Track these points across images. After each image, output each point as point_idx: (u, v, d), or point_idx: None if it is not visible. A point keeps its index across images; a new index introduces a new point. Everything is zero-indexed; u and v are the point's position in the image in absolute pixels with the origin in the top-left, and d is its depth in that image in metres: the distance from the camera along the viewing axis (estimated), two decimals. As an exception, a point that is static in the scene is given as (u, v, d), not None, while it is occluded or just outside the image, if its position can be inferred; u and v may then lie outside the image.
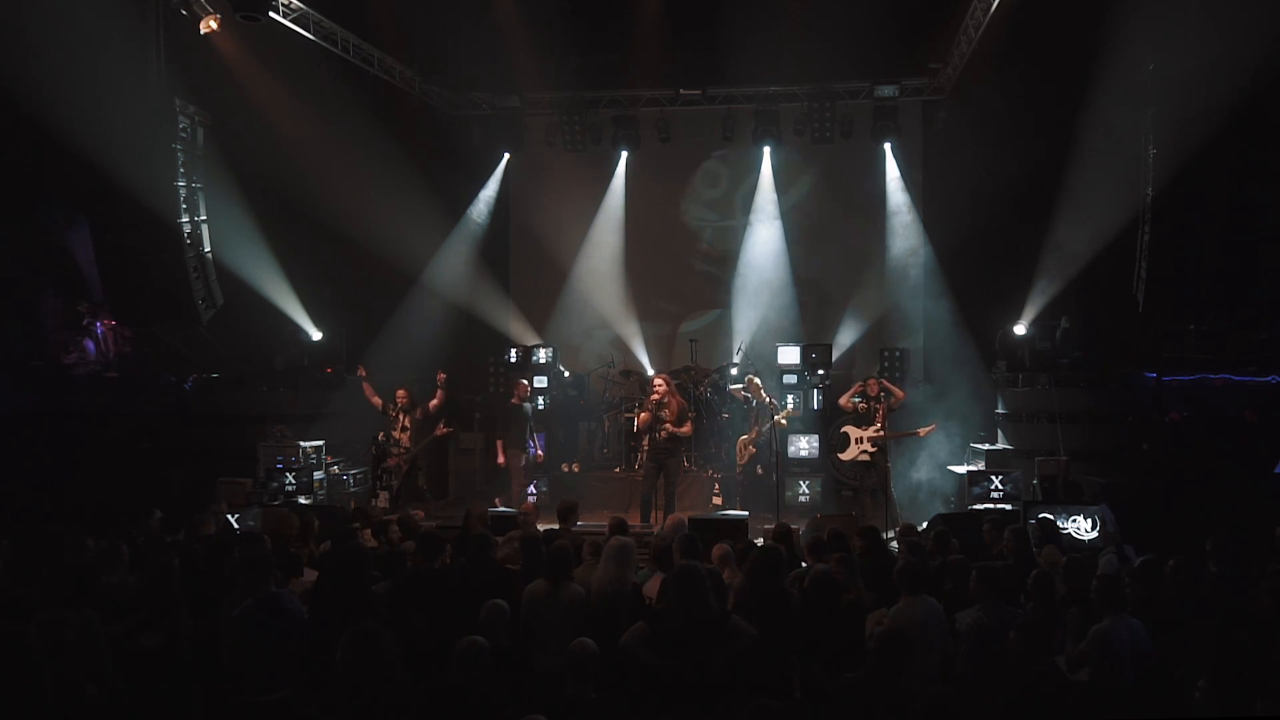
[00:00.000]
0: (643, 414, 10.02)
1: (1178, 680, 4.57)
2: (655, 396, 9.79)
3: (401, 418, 10.47)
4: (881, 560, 6.09)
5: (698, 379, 12.34)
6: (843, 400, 10.57)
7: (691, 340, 13.60)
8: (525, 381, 11.26)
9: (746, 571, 5.20)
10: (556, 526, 7.44)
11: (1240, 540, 5.91)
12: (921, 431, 10.33)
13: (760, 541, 7.04)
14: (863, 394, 10.24)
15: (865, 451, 10.04)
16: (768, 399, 10.46)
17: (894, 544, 8.92)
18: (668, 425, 9.68)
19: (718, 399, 12.06)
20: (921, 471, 11.38)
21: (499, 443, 10.91)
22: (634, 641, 4.55)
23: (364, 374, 10.70)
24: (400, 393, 10.54)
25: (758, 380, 10.78)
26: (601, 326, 14.19)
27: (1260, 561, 5.80)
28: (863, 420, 10.12)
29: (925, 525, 9.12)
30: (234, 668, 4.63)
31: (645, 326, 14.44)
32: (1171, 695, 4.54)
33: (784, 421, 10.42)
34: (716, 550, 6.13)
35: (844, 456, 10.35)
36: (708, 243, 14.72)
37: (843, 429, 10.35)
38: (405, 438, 10.43)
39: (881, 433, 9.95)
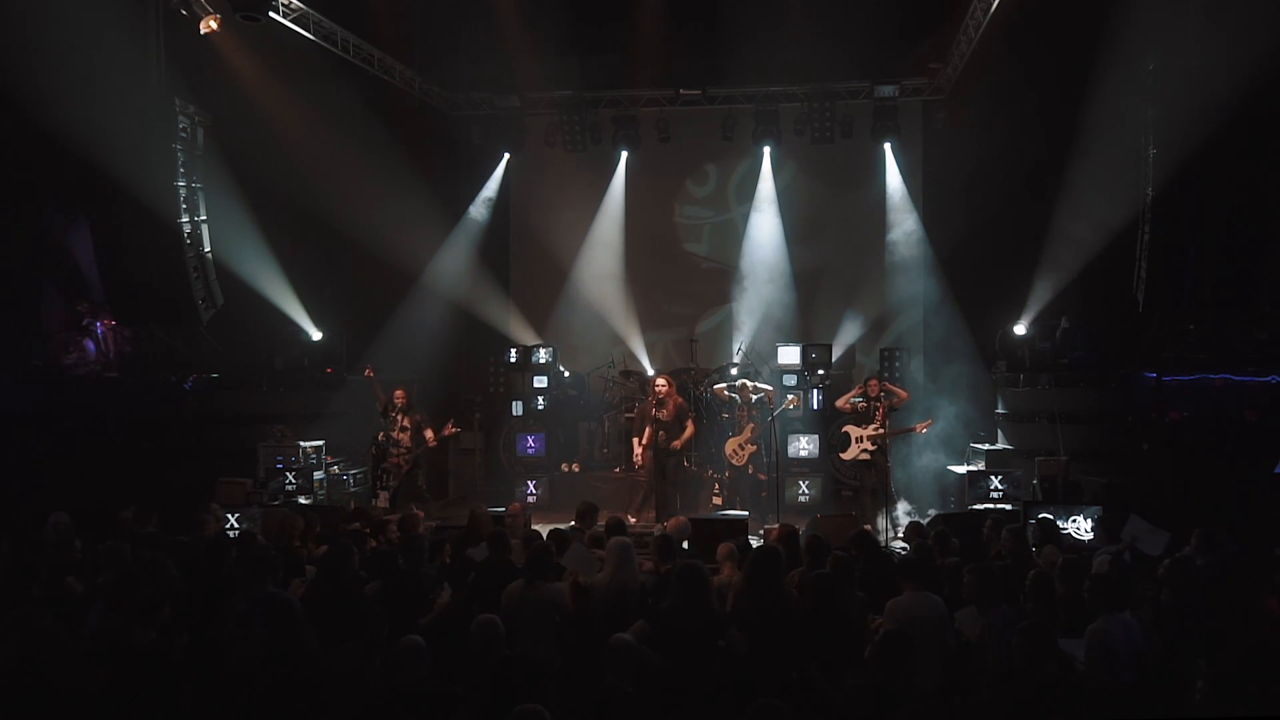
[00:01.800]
0: (644, 433, 10.07)
1: (1176, 678, 4.58)
2: (658, 394, 9.92)
3: (400, 418, 10.44)
4: (877, 563, 6.09)
5: (698, 379, 12.35)
6: (840, 402, 10.57)
7: (692, 340, 13.61)
8: (662, 382, 10.39)
9: (746, 571, 5.21)
10: (560, 526, 7.46)
11: (1224, 535, 5.94)
12: (919, 427, 10.30)
13: (759, 542, 7.05)
14: (863, 395, 10.23)
15: (865, 450, 10.03)
16: (762, 393, 10.51)
17: (896, 543, 8.96)
18: (662, 432, 9.74)
19: (718, 401, 12.06)
20: (921, 471, 11.39)
21: (636, 441, 10.33)
22: (635, 641, 4.55)
23: (370, 374, 10.58)
24: (398, 393, 10.51)
25: (748, 383, 10.81)
26: (616, 343, 14.02)
27: (1260, 562, 5.80)
28: (862, 419, 10.12)
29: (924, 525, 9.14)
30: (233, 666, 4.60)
31: (662, 335, 14.45)
32: (1170, 693, 4.55)
33: (792, 406, 10.68)
34: (722, 549, 6.12)
35: (845, 456, 10.34)
36: (707, 240, 14.72)
37: (843, 429, 10.35)
38: (405, 438, 10.41)
39: (881, 431, 9.95)
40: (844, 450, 10.28)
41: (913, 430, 10.36)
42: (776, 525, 7.57)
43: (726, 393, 10.95)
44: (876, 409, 9.99)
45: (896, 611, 4.86)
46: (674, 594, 4.68)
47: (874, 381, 10.25)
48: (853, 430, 10.15)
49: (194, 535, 6.97)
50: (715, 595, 4.96)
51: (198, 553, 5.98)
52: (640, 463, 10.12)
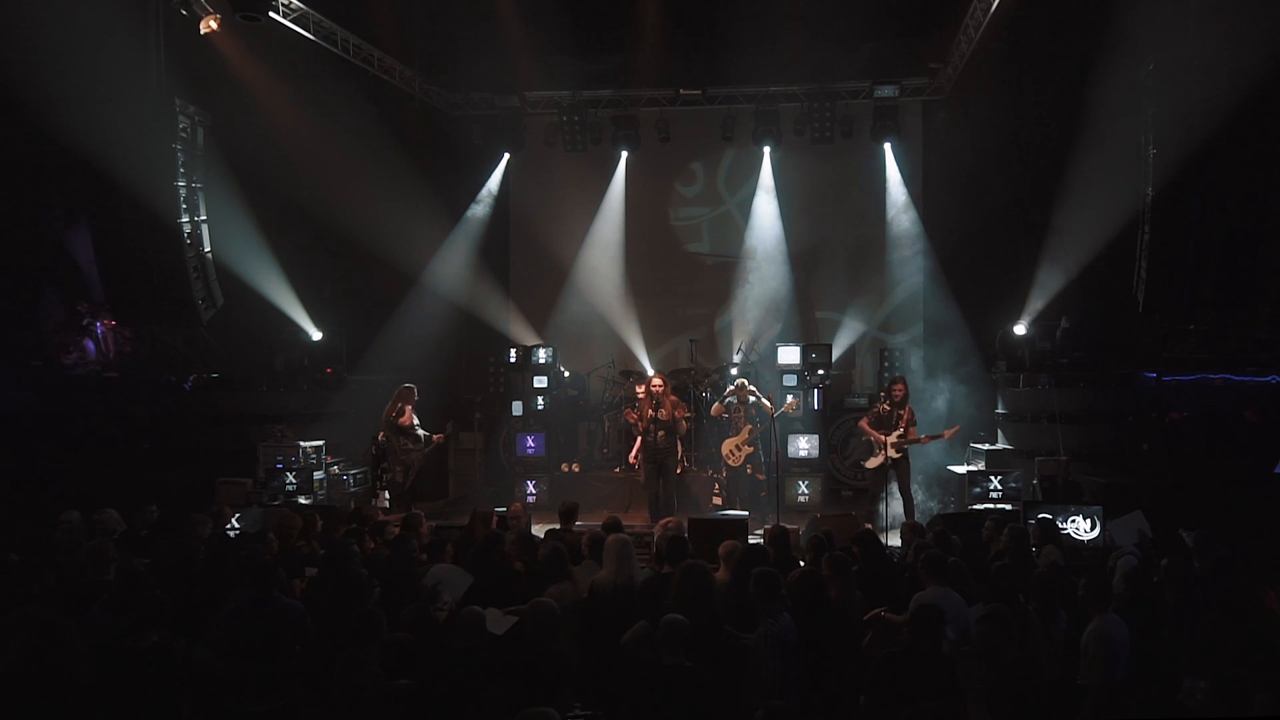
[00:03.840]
0: (632, 413, 10.09)
1: (1169, 679, 4.59)
2: (654, 392, 9.93)
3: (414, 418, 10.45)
4: (878, 564, 6.07)
5: (698, 379, 12.34)
6: (862, 423, 10.15)
7: (691, 340, 13.59)
8: (658, 381, 10.34)
9: (731, 570, 5.23)
10: (557, 526, 7.46)
11: (1217, 537, 5.94)
12: (946, 434, 10.09)
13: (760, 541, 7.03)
14: (886, 395, 10.02)
15: (890, 457, 9.77)
16: (762, 399, 10.44)
17: (898, 543, 8.92)
18: (660, 432, 9.74)
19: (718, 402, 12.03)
20: (921, 471, 11.35)
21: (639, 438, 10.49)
22: (635, 640, 4.55)
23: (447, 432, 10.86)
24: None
25: (746, 382, 10.75)
26: (624, 351, 13.94)
27: (1259, 562, 5.80)
28: (884, 424, 9.89)
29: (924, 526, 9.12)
30: (224, 674, 4.46)
31: (682, 340, 14.33)
32: (1164, 693, 4.56)
33: (792, 410, 10.63)
34: (724, 548, 6.11)
35: (869, 465, 10.01)
36: (707, 237, 14.71)
37: (863, 437, 10.07)
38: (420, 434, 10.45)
39: (905, 437, 9.73)
40: (867, 459, 10.04)
41: (940, 437, 10.09)
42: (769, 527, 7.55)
43: (723, 404, 10.82)
44: (899, 416, 9.81)
45: (924, 602, 4.86)
46: (677, 595, 4.68)
47: (900, 386, 9.92)
48: (877, 436, 9.87)
49: (191, 536, 6.95)
50: (718, 596, 4.96)
51: (195, 554, 5.95)
52: (634, 462, 10.10)
